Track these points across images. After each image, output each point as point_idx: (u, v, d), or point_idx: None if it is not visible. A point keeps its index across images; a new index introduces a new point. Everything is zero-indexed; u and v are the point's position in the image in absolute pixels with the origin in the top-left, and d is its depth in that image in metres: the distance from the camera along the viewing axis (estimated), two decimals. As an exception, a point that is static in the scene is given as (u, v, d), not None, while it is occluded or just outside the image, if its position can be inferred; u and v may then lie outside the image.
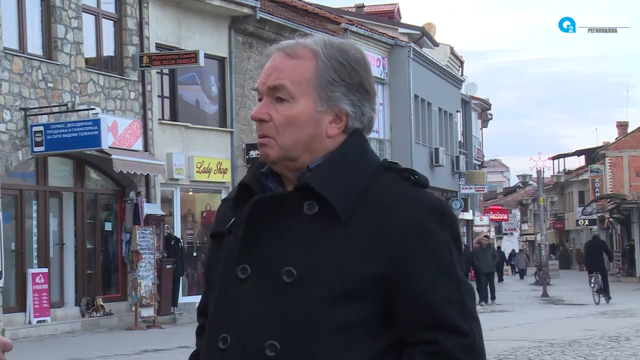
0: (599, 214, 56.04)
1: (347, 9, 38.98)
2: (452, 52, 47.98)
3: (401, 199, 2.04)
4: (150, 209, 21.33)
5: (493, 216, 64.31)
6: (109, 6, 21.32)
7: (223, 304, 2.09)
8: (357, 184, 2.05)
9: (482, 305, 27.04)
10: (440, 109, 39.26)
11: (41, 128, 18.24)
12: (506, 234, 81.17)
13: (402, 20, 41.23)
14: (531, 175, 42.67)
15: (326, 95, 2.08)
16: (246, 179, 2.16)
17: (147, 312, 19.89)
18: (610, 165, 51.24)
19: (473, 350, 2.02)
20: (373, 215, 2.03)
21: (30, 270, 18.57)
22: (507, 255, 54.96)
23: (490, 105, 56.93)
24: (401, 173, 2.09)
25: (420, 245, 2.01)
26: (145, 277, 20.10)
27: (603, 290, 27.35)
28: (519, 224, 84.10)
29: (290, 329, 1.99)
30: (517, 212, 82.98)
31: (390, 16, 40.45)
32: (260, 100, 2.12)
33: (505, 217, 68.68)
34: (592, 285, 27.65)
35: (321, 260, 2.01)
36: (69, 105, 19.39)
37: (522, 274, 52.38)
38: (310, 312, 1.99)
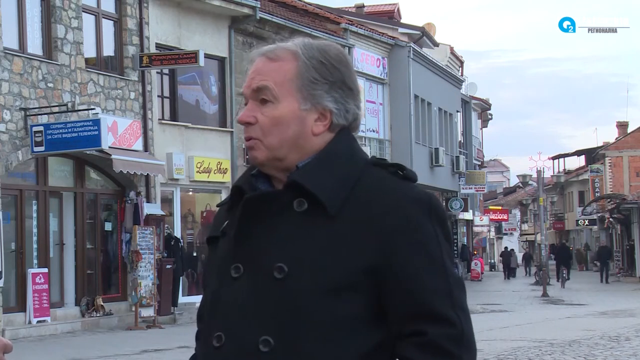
0: (599, 214, 56.02)
1: (347, 9, 38.98)
2: (452, 52, 47.97)
3: (389, 193, 2.06)
4: (150, 209, 21.32)
5: (493, 216, 64.32)
6: (109, 6, 21.31)
7: (218, 303, 2.11)
8: (345, 180, 2.08)
9: None
10: (440, 109, 39.26)
11: (41, 128, 18.23)
12: (506, 234, 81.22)
13: (402, 20, 41.23)
14: (531, 175, 42.68)
15: (309, 93, 2.11)
16: (238, 182, 2.19)
17: (147, 312, 19.88)
18: (610, 165, 51.23)
19: (461, 340, 2.02)
20: (362, 209, 2.05)
21: (30, 270, 18.56)
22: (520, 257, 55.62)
23: (490, 105, 56.91)
24: (389, 168, 2.12)
25: (409, 237, 2.03)
26: (145, 277, 20.09)
27: (566, 278, 40.92)
28: (519, 224, 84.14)
29: (283, 325, 2.01)
30: (517, 212, 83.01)
31: (390, 16, 40.45)
32: (246, 104, 2.17)
33: (505, 217, 68.71)
34: (561, 274, 41.42)
35: (311, 256, 2.03)
36: (69, 105, 19.38)
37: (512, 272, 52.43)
38: (303, 307, 2.01)
